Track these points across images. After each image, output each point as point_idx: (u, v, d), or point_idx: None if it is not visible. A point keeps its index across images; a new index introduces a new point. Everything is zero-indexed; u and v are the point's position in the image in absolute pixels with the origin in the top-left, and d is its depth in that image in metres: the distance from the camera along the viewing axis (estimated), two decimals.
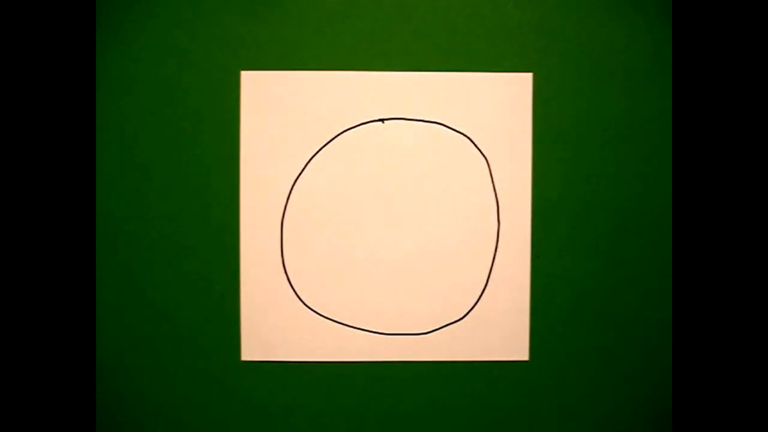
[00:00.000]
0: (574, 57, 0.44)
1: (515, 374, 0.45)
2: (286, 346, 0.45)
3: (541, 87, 0.44)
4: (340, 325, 0.45)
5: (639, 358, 0.45)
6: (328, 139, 0.44)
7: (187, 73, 0.44)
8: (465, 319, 0.45)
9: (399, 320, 0.45)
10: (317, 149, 0.44)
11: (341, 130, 0.44)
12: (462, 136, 0.44)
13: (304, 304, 0.45)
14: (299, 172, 0.45)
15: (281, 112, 0.44)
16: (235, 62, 0.44)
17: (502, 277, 0.45)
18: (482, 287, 0.45)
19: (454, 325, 0.45)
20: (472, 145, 0.45)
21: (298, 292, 0.45)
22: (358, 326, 0.45)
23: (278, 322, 0.45)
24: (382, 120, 0.44)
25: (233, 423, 0.45)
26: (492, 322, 0.45)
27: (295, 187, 0.45)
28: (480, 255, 0.44)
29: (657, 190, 0.45)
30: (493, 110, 0.44)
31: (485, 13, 0.44)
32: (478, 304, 0.45)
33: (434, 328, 0.45)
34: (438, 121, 0.44)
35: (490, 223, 0.45)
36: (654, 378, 0.45)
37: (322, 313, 0.45)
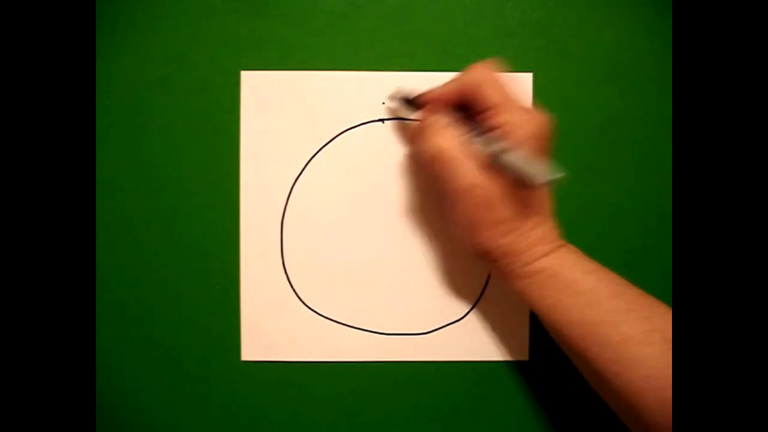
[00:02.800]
0: (574, 57, 0.44)
1: (515, 374, 0.45)
2: (286, 346, 0.45)
3: (541, 87, 0.44)
4: (340, 325, 0.45)
5: None
6: (328, 139, 0.44)
7: (187, 73, 0.44)
8: (465, 319, 0.45)
9: (399, 320, 0.45)
10: (317, 149, 0.44)
11: (341, 130, 0.44)
12: None
13: (304, 304, 0.45)
14: (299, 172, 0.45)
15: (281, 112, 0.44)
16: (235, 62, 0.44)
17: None
18: (482, 287, 0.45)
19: (454, 325, 0.45)
20: None
21: (298, 292, 0.45)
22: (358, 326, 0.45)
23: (278, 322, 0.45)
24: (382, 120, 0.44)
25: (233, 423, 0.45)
26: (492, 322, 0.45)
27: (295, 187, 0.45)
28: None
29: (657, 190, 0.45)
30: None
31: (485, 13, 0.44)
32: (478, 304, 0.45)
33: (434, 328, 0.45)
34: None
35: None
36: None
37: (322, 313, 0.45)
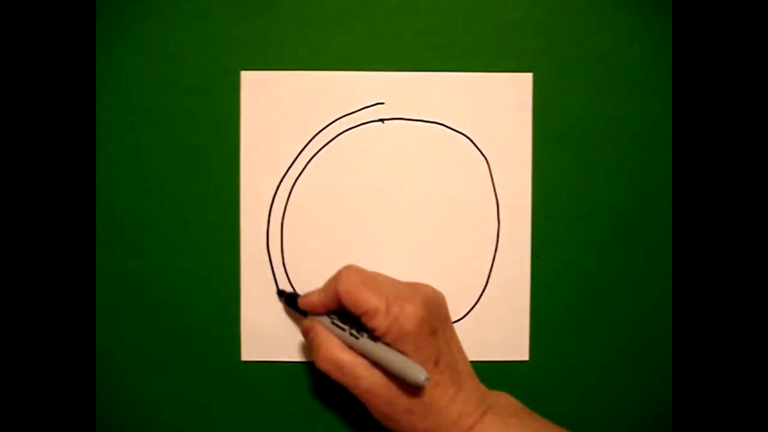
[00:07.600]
0: (574, 57, 0.44)
1: (515, 374, 0.45)
2: (286, 346, 0.45)
3: (541, 87, 0.44)
4: None
5: (639, 358, 0.45)
6: (328, 139, 0.44)
7: (187, 73, 0.44)
8: (465, 319, 0.45)
9: None
10: (317, 149, 0.44)
11: (341, 130, 0.44)
12: (462, 136, 0.45)
13: None
14: (299, 172, 0.45)
15: (281, 112, 0.44)
16: (235, 62, 0.44)
17: (502, 277, 0.45)
18: (482, 287, 0.45)
19: (454, 324, 0.45)
20: (472, 145, 0.45)
21: (298, 292, 0.45)
22: None
23: (278, 322, 0.45)
24: (382, 120, 0.44)
25: (233, 423, 0.45)
26: (492, 322, 0.45)
27: (295, 187, 0.45)
28: (480, 255, 0.44)
29: (657, 190, 0.45)
30: (493, 110, 0.44)
31: (485, 13, 0.44)
32: (478, 304, 0.45)
33: None
34: (438, 121, 0.44)
35: (490, 223, 0.45)
36: (654, 378, 0.45)
37: None
